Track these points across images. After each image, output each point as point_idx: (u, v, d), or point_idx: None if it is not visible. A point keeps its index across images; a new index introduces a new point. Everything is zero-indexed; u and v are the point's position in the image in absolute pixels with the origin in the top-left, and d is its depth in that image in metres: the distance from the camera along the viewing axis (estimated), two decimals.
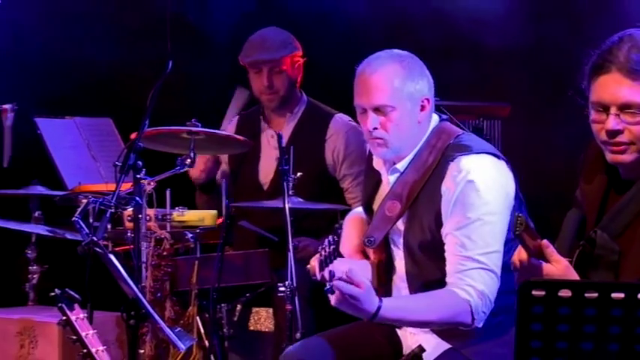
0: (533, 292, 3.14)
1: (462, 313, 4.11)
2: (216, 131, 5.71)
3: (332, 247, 4.07)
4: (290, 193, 5.30)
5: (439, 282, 4.20)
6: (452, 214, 4.16)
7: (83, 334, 4.14)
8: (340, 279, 3.89)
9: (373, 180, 4.49)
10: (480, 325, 4.14)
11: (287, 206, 5.22)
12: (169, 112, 5.32)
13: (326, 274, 3.95)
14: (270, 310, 5.67)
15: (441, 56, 5.15)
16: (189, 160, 5.31)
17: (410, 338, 4.40)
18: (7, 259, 6.16)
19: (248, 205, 5.71)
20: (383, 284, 4.38)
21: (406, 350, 4.40)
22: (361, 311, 3.99)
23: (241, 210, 5.71)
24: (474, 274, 4.10)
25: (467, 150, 4.22)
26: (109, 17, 6.63)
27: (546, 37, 5.91)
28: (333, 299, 3.96)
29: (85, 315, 4.21)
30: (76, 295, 4.19)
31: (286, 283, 5.19)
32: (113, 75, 6.54)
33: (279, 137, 5.43)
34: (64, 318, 4.15)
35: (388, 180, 4.36)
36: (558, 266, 3.41)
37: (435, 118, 4.37)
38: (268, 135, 5.99)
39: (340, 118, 6.03)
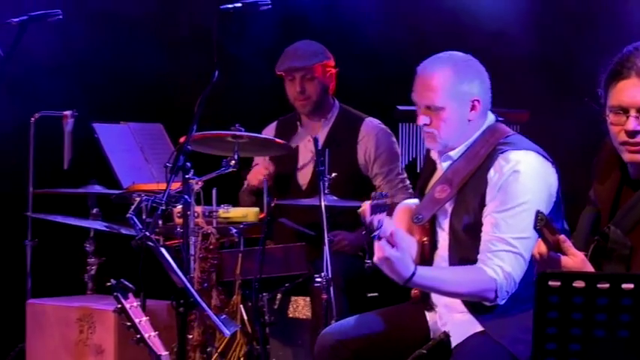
0: (550, 283, 3.15)
1: (487, 290, 4.14)
2: (258, 135, 5.72)
3: (385, 199, 4.08)
4: (325, 192, 5.32)
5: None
6: (495, 198, 4.21)
7: (137, 321, 4.15)
8: (384, 239, 3.98)
9: (430, 169, 4.54)
10: (502, 303, 4.17)
11: (323, 204, 5.24)
12: (215, 117, 5.32)
13: (375, 221, 4.00)
14: (308, 299, 5.67)
15: None
16: (233, 162, 5.32)
17: (439, 322, 4.40)
18: (68, 252, 6.19)
19: (288, 203, 5.72)
20: (426, 262, 4.38)
21: (434, 335, 4.41)
22: (397, 273, 4.04)
23: (281, 207, 5.72)
24: (503, 255, 4.13)
25: (516, 146, 4.27)
26: (158, 32, 6.64)
27: (559, 45, 5.86)
28: (375, 257, 4.02)
29: (139, 303, 4.23)
30: (130, 285, 4.21)
31: (322, 274, 5.20)
32: (163, 84, 6.55)
33: (315, 141, 5.46)
34: (120, 306, 4.17)
35: (442, 167, 4.41)
36: (575, 259, 3.41)
37: (491, 117, 4.42)
38: (305, 139, 5.99)
39: (370, 121, 6.04)
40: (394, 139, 5.97)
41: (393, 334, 4.45)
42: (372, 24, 6.30)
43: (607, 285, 3.13)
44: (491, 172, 4.24)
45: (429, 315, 4.46)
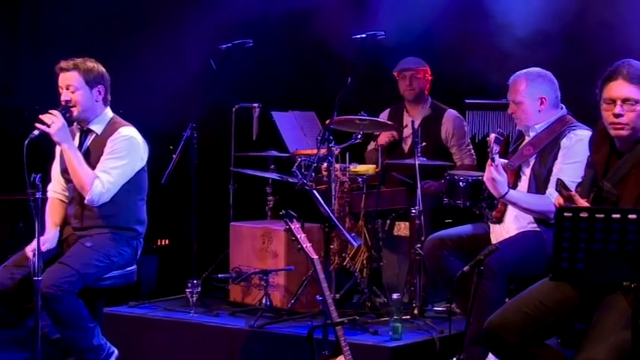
0: (565, 214, 3.16)
1: (549, 212, 4.23)
2: (376, 118, 5.70)
3: (506, 135, 4.26)
4: (419, 155, 5.29)
5: None
6: (563, 155, 4.33)
7: (298, 236, 4.20)
8: (496, 166, 4.15)
9: (520, 139, 4.61)
10: None
11: (417, 162, 5.23)
12: (348, 106, 5.32)
13: (494, 149, 4.16)
14: (407, 223, 5.64)
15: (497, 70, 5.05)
16: (359, 136, 5.31)
17: (505, 234, 4.46)
18: (255, 193, 6.23)
19: (395, 162, 5.70)
20: None
21: (494, 241, 4.49)
22: (496, 190, 4.22)
23: (391, 165, 5.71)
24: None
25: (581, 127, 4.41)
26: (311, 53, 6.60)
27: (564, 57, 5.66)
28: (486, 175, 4.19)
29: (300, 225, 4.27)
30: (294, 214, 4.25)
31: (416, 207, 5.19)
32: (315, 87, 6.52)
33: (413, 122, 5.46)
34: (288, 227, 4.21)
35: (529, 136, 4.50)
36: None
37: (564, 110, 4.51)
38: (408, 120, 5.95)
39: (450, 111, 5.97)
40: (465, 123, 5.92)
41: (471, 240, 4.56)
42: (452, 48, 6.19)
43: (602, 215, 3.11)
44: (564, 140, 4.37)
45: (497, 231, 4.49)
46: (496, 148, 4.14)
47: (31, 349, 4.09)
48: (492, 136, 4.19)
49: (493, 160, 4.14)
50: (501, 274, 4.18)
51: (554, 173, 4.31)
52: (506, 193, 4.20)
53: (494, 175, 4.14)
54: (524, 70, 4.51)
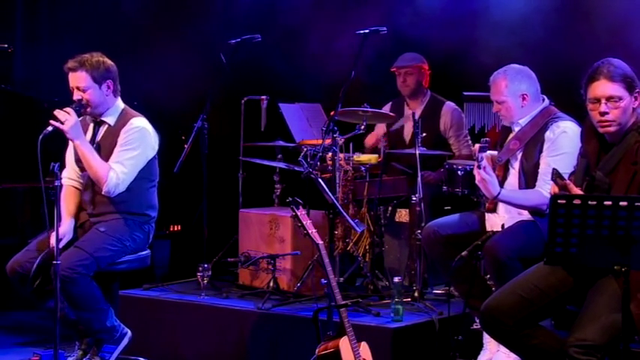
0: (559, 201, 3.16)
1: (542, 204, 4.20)
2: (378, 110, 5.68)
3: (488, 143, 4.17)
4: (419, 145, 5.27)
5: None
6: (548, 148, 4.27)
7: (304, 222, 4.19)
8: (483, 168, 4.09)
9: (506, 132, 4.55)
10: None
11: (417, 152, 5.20)
12: (351, 99, 5.30)
13: (479, 157, 4.10)
14: (407, 210, 5.63)
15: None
16: (362, 127, 5.29)
17: (499, 222, 4.43)
18: (263, 181, 6.23)
19: (396, 152, 5.69)
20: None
21: (489, 228, 4.47)
22: (489, 191, 4.14)
23: (392, 154, 5.70)
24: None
25: (564, 118, 4.33)
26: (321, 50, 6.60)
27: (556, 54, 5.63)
28: (476, 178, 4.12)
29: (305, 212, 4.26)
30: (300, 201, 4.24)
31: (416, 195, 5.18)
32: (321, 81, 6.50)
33: (413, 114, 5.44)
34: (294, 213, 4.21)
35: (514, 130, 4.45)
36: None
37: (547, 101, 4.45)
38: (408, 113, 5.93)
39: (448, 103, 5.95)
40: (462, 115, 5.91)
41: (467, 227, 4.52)
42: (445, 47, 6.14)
43: (594, 202, 3.10)
44: (548, 132, 4.30)
45: (491, 219, 4.46)
46: (481, 157, 4.11)
47: (52, 329, 4.09)
48: (477, 146, 4.17)
49: (479, 167, 4.10)
50: (510, 260, 4.16)
51: (542, 167, 4.27)
52: (499, 193, 4.16)
53: (484, 176, 4.10)
54: (503, 69, 4.45)
